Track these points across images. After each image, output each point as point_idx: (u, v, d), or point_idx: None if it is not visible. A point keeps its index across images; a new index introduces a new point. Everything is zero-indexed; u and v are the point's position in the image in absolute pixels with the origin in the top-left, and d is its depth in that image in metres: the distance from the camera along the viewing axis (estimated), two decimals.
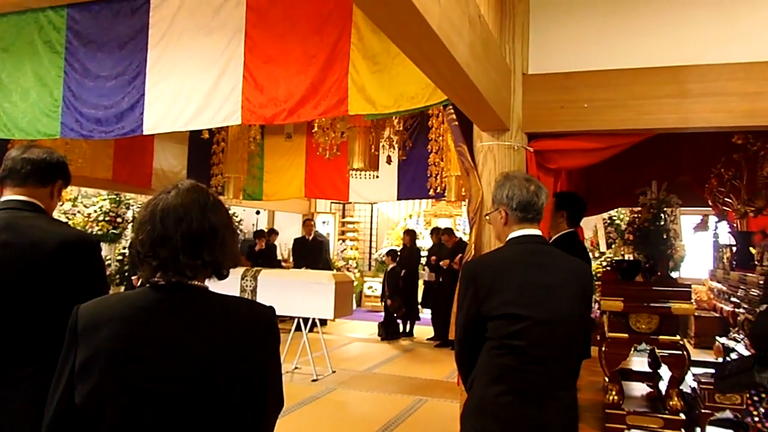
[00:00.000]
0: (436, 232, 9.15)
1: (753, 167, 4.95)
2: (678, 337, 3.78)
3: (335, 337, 8.70)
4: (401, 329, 8.97)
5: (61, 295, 1.74)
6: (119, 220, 9.13)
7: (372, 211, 13.42)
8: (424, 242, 10.78)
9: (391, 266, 9.03)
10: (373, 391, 5.81)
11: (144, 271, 1.23)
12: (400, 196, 7.91)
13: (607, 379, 3.98)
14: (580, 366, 2.57)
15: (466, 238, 7.99)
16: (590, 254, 6.69)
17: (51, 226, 1.86)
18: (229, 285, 1.71)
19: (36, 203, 1.91)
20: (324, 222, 12.92)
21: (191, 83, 3.96)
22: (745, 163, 5.03)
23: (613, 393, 3.85)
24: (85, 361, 1.16)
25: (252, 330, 1.24)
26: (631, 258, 4.72)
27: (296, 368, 6.40)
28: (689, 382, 4.12)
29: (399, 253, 9.24)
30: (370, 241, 13.43)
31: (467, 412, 2.06)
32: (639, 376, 4.77)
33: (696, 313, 5.19)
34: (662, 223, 4.03)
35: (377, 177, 6.87)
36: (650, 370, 4.71)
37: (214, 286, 1.29)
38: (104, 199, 9.11)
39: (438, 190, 6.59)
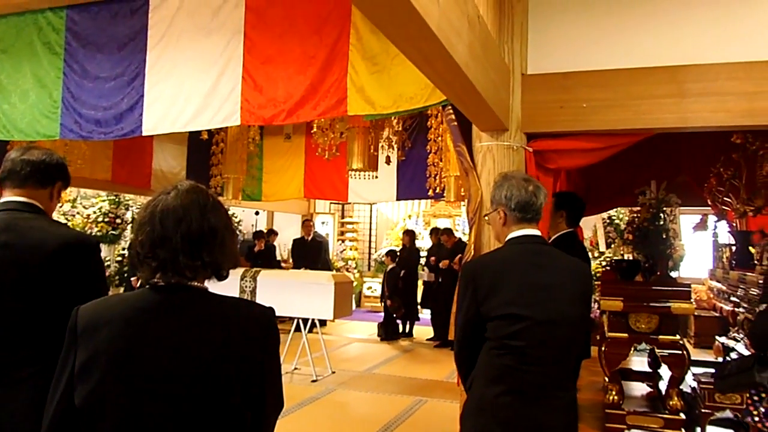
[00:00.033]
0: (435, 232, 9.14)
1: (752, 166, 4.96)
2: (678, 337, 3.79)
3: (335, 338, 8.70)
4: (401, 330, 8.97)
5: (60, 296, 1.74)
6: (118, 221, 9.13)
7: (371, 211, 13.42)
8: (424, 242, 10.78)
9: (390, 267, 9.03)
10: (373, 391, 5.80)
11: (143, 272, 1.23)
12: (399, 197, 7.91)
13: (607, 379, 3.98)
14: (579, 366, 2.58)
15: (465, 239, 7.99)
16: (590, 254, 6.71)
17: (50, 227, 1.86)
18: (229, 286, 1.71)
19: (35, 204, 1.91)
20: (323, 222, 12.92)
21: (190, 84, 3.96)
22: (744, 163, 5.04)
23: (613, 393, 3.86)
24: (85, 362, 1.16)
25: (252, 331, 1.24)
26: (631, 258, 4.72)
27: (296, 369, 6.40)
28: (689, 382, 4.13)
29: (398, 254, 9.24)
30: (370, 241, 13.43)
31: (467, 412, 2.06)
32: (639, 376, 4.78)
33: (696, 313, 5.20)
34: (661, 222, 4.04)
35: (376, 177, 6.88)
36: (650, 370, 4.72)
37: (213, 286, 1.29)
38: (103, 200, 9.11)
39: (437, 191, 6.59)
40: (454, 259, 7.91)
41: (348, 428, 4.79)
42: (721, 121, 2.88)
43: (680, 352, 3.74)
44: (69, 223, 8.28)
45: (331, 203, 12.82)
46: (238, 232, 10.25)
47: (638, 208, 4.30)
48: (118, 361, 1.15)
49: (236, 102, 3.86)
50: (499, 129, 3.06)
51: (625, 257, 6.35)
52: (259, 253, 9.18)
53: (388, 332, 8.72)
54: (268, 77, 3.81)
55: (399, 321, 8.95)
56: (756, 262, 4.97)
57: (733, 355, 3.85)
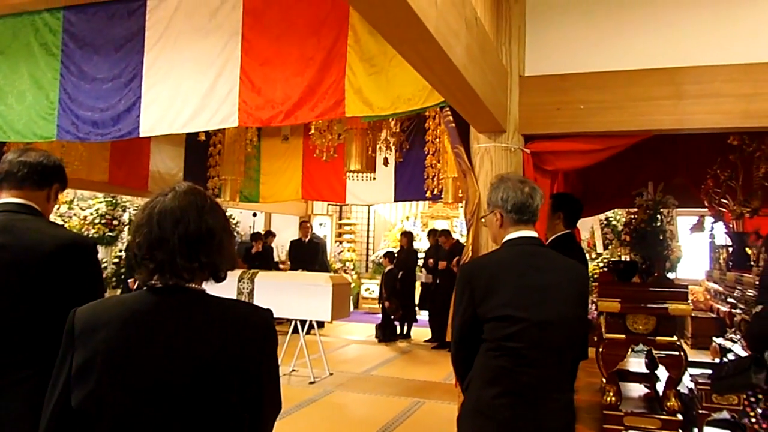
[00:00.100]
0: (433, 233, 9.15)
1: (749, 168, 4.97)
2: (675, 338, 3.79)
3: (332, 339, 8.69)
4: (398, 331, 8.97)
5: (57, 297, 1.74)
6: (115, 222, 9.12)
7: (369, 212, 13.42)
8: (422, 244, 10.79)
9: (388, 268, 9.03)
10: (371, 393, 5.80)
11: (141, 273, 1.23)
12: (397, 198, 7.91)
13: (604, 380, 3.98)
14: (577, 367, 2.59)
15: (463, 240, 8.00)
16: (587, 255, 6.71)
17: (48, 228, 1.86)
18: (226, 287, 1.70)
19: (33, 206, 1.91)
20: (321, 224, 12.92)
21: (188, 85, 3.95)
22: (741, 164, 5.05)
23: (611, 394, 3.86)
24: (82, 364, 1.16)
25: (249, 332, 1.23)
26: (628, 259, 4.73)
27: (293, 370, 6.39)
28: (686, 383, 4.13)
29: (396, 255, 9.24)
30: (367, 242, 13.43)
31: (463, 414, 2.06)
32: (636, 377, 4.78)
33: (693, 314, 5.20)
34: (659, 224, 4.05)
35: (374, 179, 6.88)
36: (647, 371, 4.73)
37: (211, 288, 1.28)
38: (100, 202, 9.09)
39: (435, 192, 6.59)
40: (452, 261, 7.91)
41: (346, 430, 4.79)
42: (718, 122, 2.88)
43: (677, 353, 3.75)
44: (66, 225, 8.26)
45: (328, 205, 12.82)
46: (235, 234, 10.23)
47: (635, 210, 4.31)
48: (115, 363, 1.15)
49: (234, 103, 3.85)
50: (496, 131, 3.06)
51: (623, 258, 6.36)
52: (257, 255, 9.17)
53: (385, 334, 8.72)
54: (266, 79, 3.81)
55: (397, 322, 8.95)
56: (753, 263, 4.98)
57: (730, 356, 3.86)
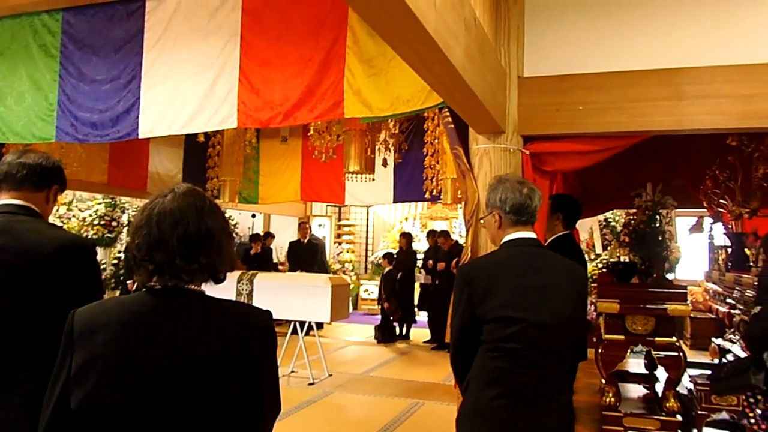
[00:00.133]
0: (432, 234, 9.15)
1: (747, 169, 4.98)
2: (674, 339, 3.79)
3: (332, 341, 8.69)
4: (398, 332, 8.97)
5: (57, 299, 1.73)
6: (114, 224, 9.12)
7: (368, 213, 13.42)
8: (421, 245, 10.79)
9: (387, 269, 9.03)
10: (370, 394, 5.80)
11: (140, 275, 1.23)
12: (396, 199, 7.92)
13: (603, 381, 3.98)
14: (576, 368, 2.59)
15: (462, 241, 8.00)
16: (586, 256, 6.72)
17: (47, 230, 1.86)
18: (225, 289, 1.70)
19: (32, 207, 1.91)
20: (320, 225, 12.92)
21: (187, 87, 3.95)
22: (740, 165, 5.06)
23: (610, 395, 3.86)
24: (81, 365, 1.16)
25: (249, 334, 1.23)
26: (627, 260, 4.73)
27: (293, 372, 6.39)
28: (685, 384, 4.13)
29: (395, 256, 9.24)
30: (366, 243, 13.42)
31: (462, 415, 2.06)
32: (635, 378, 4.78)
33: (692, 315, 5.20)
34: (657, 224, 4.05)
35: (373, 180, 6.88)
36: (647, 372, 4.73)
37: (210, 289, 1.28)
38: (99, 203, 9.08)
39: (434, 193, 6.59)
40: (451, 262, 7.91)
41: (345, 431, 4.79)
42: (717, 123, 2.89)
43: (676, 353, 3.75)
44: (65, 226, 8.26)
45: (327, 206, 12.82)
46: (234, 235, 10.23)
47: (634, 211, 4.31)
48: (114, 364, 1.15)
49: (233, 104, 3.85)
50: (495, 131, 3.06)
51: (622, 259, 6.36)
52: (256, 256, 9.17)
53: (385, 335, 8.71)
54: (265, 80, 3.81)
55: (396, 323, 8.95)
56: (752, 264, 4.99)
57: (729, 357, 3.86)
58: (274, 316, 1.32)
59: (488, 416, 1.94)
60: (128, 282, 7.62)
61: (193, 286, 1.24)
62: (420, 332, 9.00)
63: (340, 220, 13.40)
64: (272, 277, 6.73)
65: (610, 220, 9.55)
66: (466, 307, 2.00)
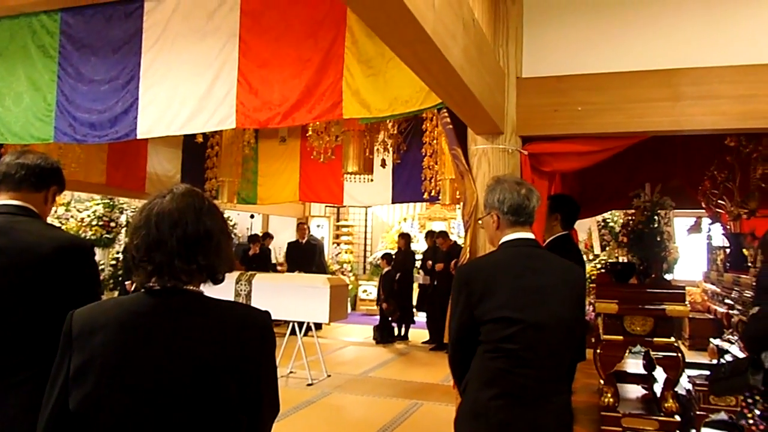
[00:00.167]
0: (430, 235, 9.15)
1: (745, 169, 4.99)
2: (672, 339, 3.80)
3: (330, 341, 8.68)
4: (396, 333, 8.97)
5: (55, 299, 1.73)
6: (113, 224, 9.11)
7: (366, 214, 13.42)
8: (419, 245, 10.79)
9: (386, 270, 9.03)
10: (369, 394, 5.80)
11: (139, 275, 1.23)
12: (395, 200, 7.92)
13: (602, 382, 3.99)
14: (574, 369, 2.58)
15: (460, 242, 8.01)
16: (584, 257, 6.72)
17: (45, 230, 1.86)
18: (224, 289, 1.70)
19: (30, 208, 1.90)
20: (318, 226, 12.91)
21: (185, 87, 3.95)
22: (738, 166, 5.07)
23: (609, 395, 3.86)
24: (80, 366, 1.15)
25: (247, 334, 1.23)
26: (626, 260, 4.74)
27: (291, 372, 6.39)
28: (684, 384, 4.14)
29: (394, 257, 9.24)
30: (365, 244, 13.42)
31: (461, 415, 2.06)
32: (634, 378, 4.79)
33: (690, 315, 5.21)
34: (656, 225, 4.05)
35: (372, 180, 6.88)
36: (645, 372, 4.73)
37: (208, 290, 1.28)
38: (98, 204, 9.07)
39: (432, 194, 6.60)
40: (450, 263, 7.91)
41: (343, 431, 4.79)
42: (715, 124, 2.89)
43: (675, 354, 3.75)
44: (63, 227, 8.25)
45: (326, 206, 12.82)
46: (233, 236, 10.23)
47: (633, 211, 4.32)
48: (113, 365, 1.14)
49: (231, 105, 3.85)
50: (494, 132, 3.06)
51: (620, 260, 6.37)
52: (254, 257, 9.17)
53: (383, 335, 8.71)
54: (264, 80, 3.81)
55: (394, 324, 8.95)
56: (750, 264, 5.00)
57: (728, 357, 3.87)
58: (273, 317, 1.31)
59: (486, 417, 1.94)
60: (126, 283, 7.61)
61: (191, 287, 1.24)
62: (418, 333, 9.00)
63: (338, 220, 13.41)
64: (271, 278, 6.73)
65: (608, 220, 9.56)
66: (464, 307, 2.00)
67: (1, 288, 1.73)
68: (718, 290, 5.68)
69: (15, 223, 1.83)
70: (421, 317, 9.27)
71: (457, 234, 10.90)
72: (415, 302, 9.28)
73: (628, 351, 3.95)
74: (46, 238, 1.80)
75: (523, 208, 2.06)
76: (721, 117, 2.86)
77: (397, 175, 7.63)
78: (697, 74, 2.90)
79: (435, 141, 6.16)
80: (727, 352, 4.06)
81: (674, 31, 2.99)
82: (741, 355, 3.65)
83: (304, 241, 9.42)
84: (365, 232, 13.48)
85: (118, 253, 9.18)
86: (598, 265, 9.05)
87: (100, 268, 8.70)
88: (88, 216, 8.97)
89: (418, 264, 9.38)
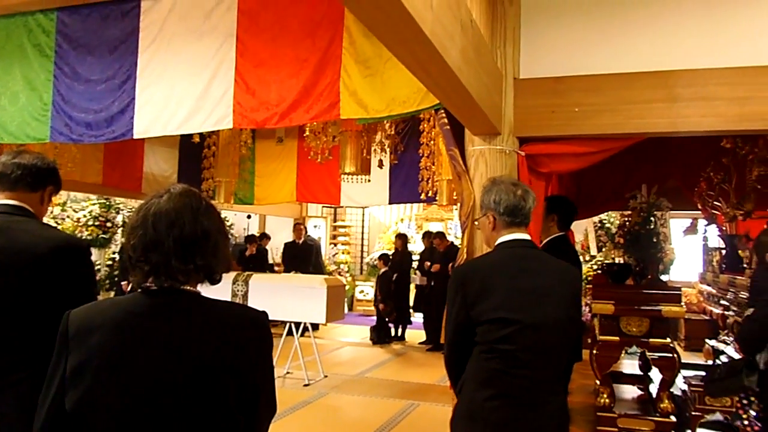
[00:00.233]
0: (427, 236, 9.16)
1: (742, 171, 5.01)
2: (668, 340, 3.81)
3: (327, 342, 8.68)
4: (393, 333, 8.96)
5: (51, 299, 1.73)
6: (109, 224, 9.07)
7: (363, 215, 13.42)
8: (416, 246, 10.79)
9: (382, 270, 9.03)
10: (365, 395, 5.79)
11: (136, 276, 1.22)
12: (392, 200, 7.93)
13: (598, 382, 3.99)
14: (571, 369, 2.58)
15: (457, 242, 8.01)
16: (581, 257, 6.73)
17: (41, 230, 1.86)
18: (220, 290, 1.70)
19: (26, 208, 1.90)
20: (315, 226, 12.90)
21: (182, 87, 3.95)
22: (734, 167, 5.09)
23: (605, 396, 3.87)
24: (76, 366, 1.15)
25: (244, 335, 1.23)
26: (622, 261, 4.75)
27: (288, 373, 6.38)
28: (680, 385, 4.15)
29: (391, 257, 9.24)
30: (362, 245, 13.42)
31: (457, 416, 2.06)
32: (630, 379, 4.80)
33: (686, 316, 5.23)
34: (652, 226, 4.06)
35: (369, 181, 6.88)
36: (641, 373, 4.75)
37: (205, 290, 1.28)
38: (94, 204, 9.05)
39: (429, 194, 6.61)
40: (447, 264, 7.91)
41: None
42: (712, 125, 2.90)
43: (671, 355, 3.76)
44: (59, 227, 8.22)
45: (323, 207, 12.81)
46: (230, 236, 10.21)
47: (629, 212, 4.32)
48: (109, 365, 1.14)
49: (228, 105, 3.85)
50: (491, 133, 3.07)
51: (616, 261, 6.38)
52: (251, 257, 9.15)
53: (380, 336, 8.71)
54: (261, 80, 3.81)
55: (391, 324, 8.95)
56: (745, 265, 5.01)
57: (723, 358, 3.88)
58: (270, 317, 1.31)
59: (482, 418, 1.94)
60: (123, 283, 7.60)
61: (188, 287, 1.23)
62: (415, 333, 9.00)
63: (335, 221, 13.40)
64: (268, 278, 6.72)
65: (605, 221, 9.58)
66: (460, 308, 2.00)
67: None
68: (714, 291, 5.70)
69: (11, 222, 1.83)
70: (417, 318, 9.27)
71: (454, 235, 10.91)
72: (411, 303, 9.28)
73: (624, 352, 3.96)
74: (42, 238, 1.79)
75: (519, 209, 2.06)
76: (717, 119, 2.87)
77: (394, 176, 7.63)
78: (693, 76, 2.91)
79: (432, 142, 6.16)
80: (722, 353, 4.07)
81: (671, 32, 3.00)
82: (736, 356, 3.66)
83: (301, 241, 9.41)
84: (362, 233, 13.48)
85: (114, 253, 9.16)
86: (595, 266, 9.06)
87: (97, 268, 8.67)
88: (84, 216, 8.94)
89: (415, 265, 9.38)
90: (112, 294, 8.38)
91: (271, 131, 7.69)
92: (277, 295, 6.11)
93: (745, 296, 4.25)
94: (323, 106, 3.68)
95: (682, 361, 3.93)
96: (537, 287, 1.97)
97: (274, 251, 10.73)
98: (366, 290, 12.10)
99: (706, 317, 5.79)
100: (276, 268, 10.06)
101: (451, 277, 2.13)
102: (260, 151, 8.02)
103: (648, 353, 3.94)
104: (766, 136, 4.47)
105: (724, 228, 5.93)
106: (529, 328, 1.91)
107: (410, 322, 9.15)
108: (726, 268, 5.47)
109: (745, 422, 2.90)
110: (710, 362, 4.24)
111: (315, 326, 7.87)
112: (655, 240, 4.04)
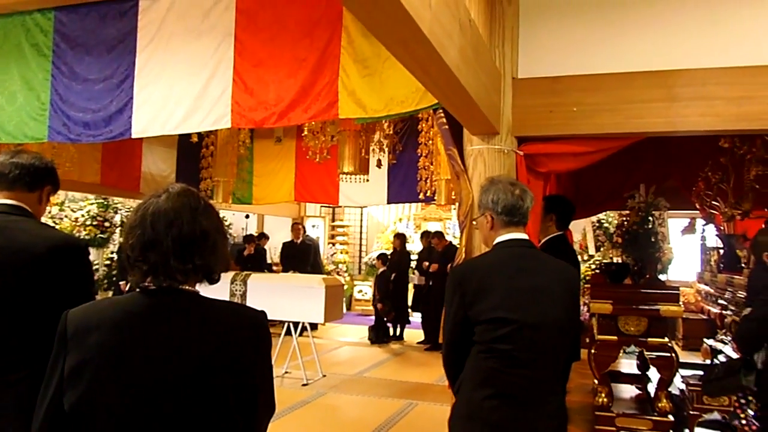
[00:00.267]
0: (426, 235, 9.16)
1: (740, 171, 5.01)
2: (666, 340, 3.81)
3: (325, 341, 8.68)
4: (391, 333, 8.97)
5: (49, 299, 1.72)
6: (107, 224, 9.06)
7: (362, 214, 13.42)
8: (414, 246, 10.79)
9: (381, 270, 9.03)
10: (364, 394, 5.79)
11: (134, 275, 1.22)
12: (390, 200, 7.92)
13: (596, 382, 4.00)
14: (569, 369, 2.59)
15: (456, 242, 8.01)
16: (579, 257, 6.74)
17: (39, 230, 1.85)
18: (219, 289, 1.69)
19: (24, 208, 1.90)
20: (314, 226, 12.90)
21: (180, 87, 3.94)
22: (732, 167, 5.09)
23: (603, 395, 3.88)
24: (74, 366, 1.15)
25: (243, 334, 1.23)
26: (620, 261, 4.75)
27: (286, 372, 6.38)
28: (677, 384, 4.15)
29: (389, 257, 9.24)
30: (360, 244, 13.42)
31: (455, 416, 2.06)
32: (628, 378, 4.81)
33: (684, 316, 5.23)
34: (650, 226, 4.07)
35: (367, 180, 6.88)
36: (639, 372, 4.75)
37: (204, 290, 1.28)
38: (92, 204, 9.03)
39: (428, 194, 6.60)
40: (446, 264, 7.91)
41: (339, 431, 4.79)
42: (710, 125, 2.90)
43: (669, 354, 3.77)
44: (57, 227, 8.21)
45: (321, 206, 12.80)
46: (228, 236, 10.19)
47: (627, 212, 4.33)
48: (108, 365, 1.14)
49: (227, 105, 3.84)
50: (490, 132, 3.07)
51: (615, 260, 6.39)
52: (249, 257, 9.14)
53: (378, 335, 8.71)
54: (259, 80, 3.80)
55: (389, 324, 8.95)
56: (743, 265, 5.02)
57: (721, 358, 3.88)
58: (268, 317, 1.31)
59: (480, 417, 1.94)
60: (121, 283, 7.59)
61: (187, 287, 1.23)
62: (414, 333, 9.00)
63: (333, 220, 13.40)
64: (266, 278, 6.72)
65: (603, 221, 9.58)
66: (458, 308, 2.00)
67: None
68: (712, 291, 5.70)
69: (9, 222, 1.82)
70: (416, 317, 9.27)
71: (453, 234, 10.91)
72: (410, 302, 9.29)
73: (622, 351, 3.96)
74: (40, 238, 1.79)
75: (517, 209, 2.06)
76: (715, 118, 2.87)
77: (392, 176, 7.63)
78: (692, 75, 2.91)
79: (431, 141, 6.16)
80: (720, 352, 4.08)
81: (670, 32, 3.00)
82: (734, 355, 3.67)
83: (299, 241, 9.41)
84: (360, 233, 13.47)
85: (112, 253, 9.14)
86: (593, 266, 9.07)
87: (95, 268, 8.65)
88: (83, 216, 8.92)
89: (413, 264, 9.38)
90: (110, 294, 8.37)
91: (270, 131, 7.69)
92: (276, 295, 6.11)
93: (742, 296, 4.26)
94: (322, 105, 3.68)
95: (680, 360, 3.94)
96: (535, 287, 1.97)
97: (273, 251, 10.72)
98: (364, 290, 12.10)
99: (704, 317, 5.79)
100: (274, 268, 10.06)
101: (450, 277, 2.13)
102: (258, 150, 8.01)
103: (646, 352, 3.95)
104: (764, 136, 4.47)
105: (722, 227, 5.94)
106: (527, 327, 1.91)
107: (408, 322, 9.15)
108: (724, 268, 5.48)
109: (743, 421, 2.90)
110: (708, 362, 4.24)
111: (313, 326, 7.87)
112: (653, 239, 4.05)
